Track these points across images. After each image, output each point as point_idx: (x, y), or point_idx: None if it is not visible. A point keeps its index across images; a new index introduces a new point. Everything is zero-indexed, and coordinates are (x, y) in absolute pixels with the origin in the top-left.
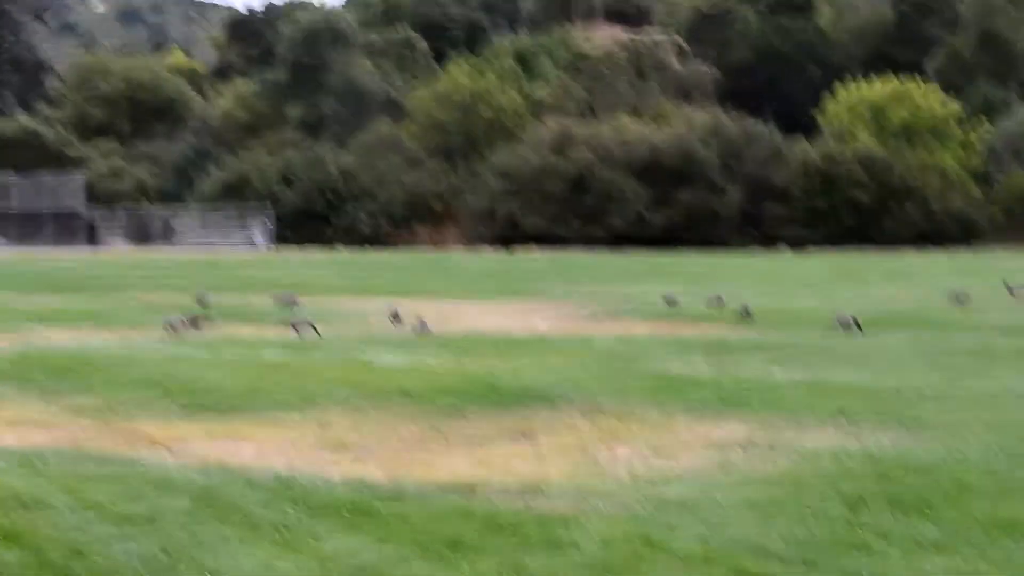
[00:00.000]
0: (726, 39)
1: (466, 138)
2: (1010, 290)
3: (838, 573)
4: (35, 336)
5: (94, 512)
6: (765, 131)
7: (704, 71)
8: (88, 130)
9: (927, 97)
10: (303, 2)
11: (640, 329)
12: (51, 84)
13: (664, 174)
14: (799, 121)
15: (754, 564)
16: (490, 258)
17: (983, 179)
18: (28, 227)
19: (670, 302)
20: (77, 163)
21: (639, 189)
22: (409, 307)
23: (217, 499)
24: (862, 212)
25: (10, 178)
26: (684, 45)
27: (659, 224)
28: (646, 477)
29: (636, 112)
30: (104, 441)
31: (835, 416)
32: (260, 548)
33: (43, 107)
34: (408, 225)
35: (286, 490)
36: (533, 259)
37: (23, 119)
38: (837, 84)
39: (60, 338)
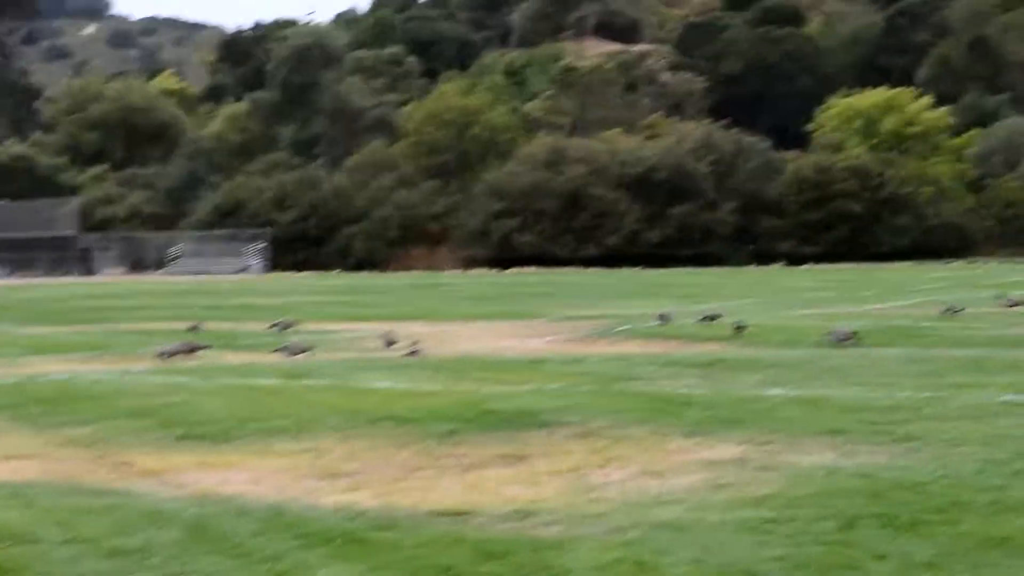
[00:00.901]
0: (716, 50)
1: (459, 156)
2: (1004, 301)
3: None
4: (28, 367)
5: (86, 546)
6: (757, 143)
7: (695, 83)
8: (81, 155)
9: (918, 106)
10: (292, 20)
11: (634, 348)
12: (43, 109)
13: (657, 190)
14: (791, 132)
15: None
16: (484, 279)
17: (976, 188)
18: (21, 255)
19: (664, 320)
20: (70, 189)
21: (632, 205)
22: (403, 330)
23: (209, 530)
24: (856, 224)
25: (2, 205)
26: (674, 57)
27: (653, 241)
28: (639, 499)
29: (628, 126)
30: (97, 473)
31: (829, 433)
32: None
33: (35, 133)
34: (402, 247)
35: (278, 519)
36: (527, 279)
37: (15, 145)
38: (828, 94)
39: (53, 369)
